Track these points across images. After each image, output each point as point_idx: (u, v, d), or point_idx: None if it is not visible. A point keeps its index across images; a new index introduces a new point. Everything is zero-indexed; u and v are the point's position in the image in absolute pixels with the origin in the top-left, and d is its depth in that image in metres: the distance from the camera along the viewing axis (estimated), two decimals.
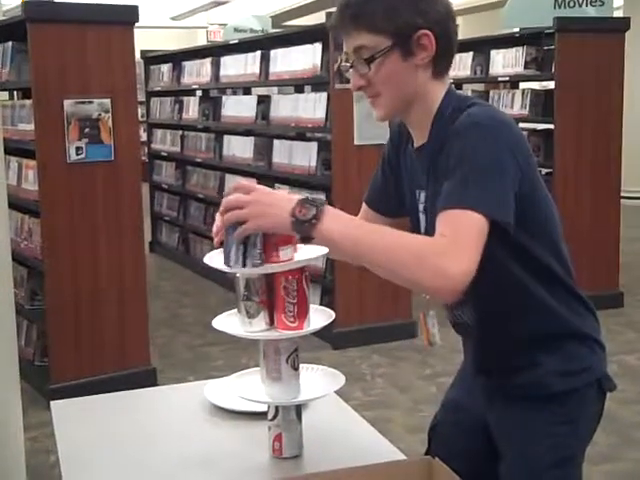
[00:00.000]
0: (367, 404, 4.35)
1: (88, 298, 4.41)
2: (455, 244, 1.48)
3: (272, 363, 1.66)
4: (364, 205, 2.01)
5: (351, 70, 1.69)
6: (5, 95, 5.62)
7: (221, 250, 1.67)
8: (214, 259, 1.68)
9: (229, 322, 1.71)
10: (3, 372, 2.63)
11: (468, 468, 1.59)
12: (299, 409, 1.72)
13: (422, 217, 1.80)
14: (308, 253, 1.66)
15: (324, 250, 1.72)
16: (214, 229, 1.62)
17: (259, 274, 1.63)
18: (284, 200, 1.54)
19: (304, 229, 1.51)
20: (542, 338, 1.75)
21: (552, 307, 1.74)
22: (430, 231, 1.65)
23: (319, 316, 1.72)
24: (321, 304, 5.58)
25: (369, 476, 1.43)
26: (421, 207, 1.80)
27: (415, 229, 1.83)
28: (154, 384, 4.51)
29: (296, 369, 1.68)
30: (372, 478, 1.42)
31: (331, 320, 1.71)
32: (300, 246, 1.65)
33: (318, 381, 1.79)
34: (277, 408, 1.69)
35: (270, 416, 1.71)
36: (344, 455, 1.71)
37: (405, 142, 1.85)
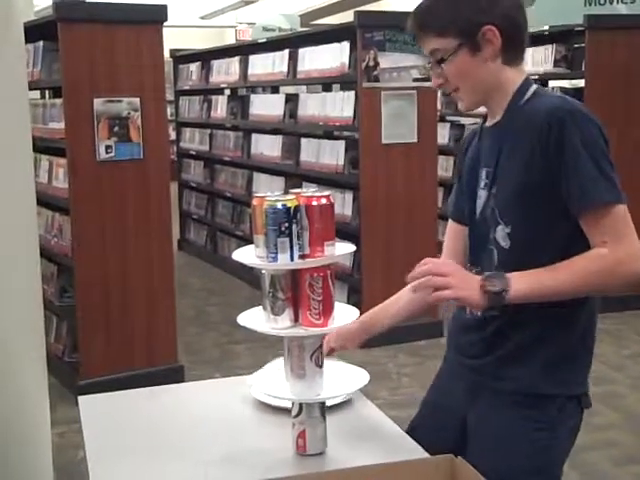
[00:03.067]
0: (393, 403, 4.33)
1: (117, 295, 4.45)
2: (620, 245, 1.63)
3: (296, 360, 1.67)
4: (450, 222, 2.03)
5: (431, 71, 1.81)
6: (36, 94, 5.68)
7: (249, 246, 1.69)
8: (243, 255, 1.69)
9: (254, 319, 1.72)
10: (31, 368, 2.66)
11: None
12: (323, 406, 1.73)
13: (482, 193, 1.82)
14: (334, 251, 1.66)
15: (350, 248, 1.73)
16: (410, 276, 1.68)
17: (285, 271, 1.64)
18: (471, 277, 1.69)
19: (498, 299, 1.64)
20: (552, 330, 1.76)
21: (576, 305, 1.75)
22: (488, 206, 1.78)
23: (344, 314, 1.73)
24: (348, 303, 5.56)
25: (392, 474, 1.43)
26: (482, 184, 1.83)
27: (471, 212, 1.86)
28: (181, 381, 4.54)
29: (320, 366, 1.69)
30: (395, 476, 1.42)
31: (356, 318, 1.71)
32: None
33: (342, 379, 1.80)
34: (301, 405, 1.70)
35: (294, 413, 1.72)
36: (368, 453, 1.72)
37: (473, 138, 1.93)
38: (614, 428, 3.91)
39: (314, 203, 1.62)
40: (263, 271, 1.66)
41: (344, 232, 5.55)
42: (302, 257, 1.62)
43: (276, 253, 1.60)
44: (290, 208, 1.60)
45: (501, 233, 1.76)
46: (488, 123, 1.86)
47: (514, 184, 1.72)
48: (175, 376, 4.51)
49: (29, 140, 2.49)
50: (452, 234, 2.02)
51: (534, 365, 1.77)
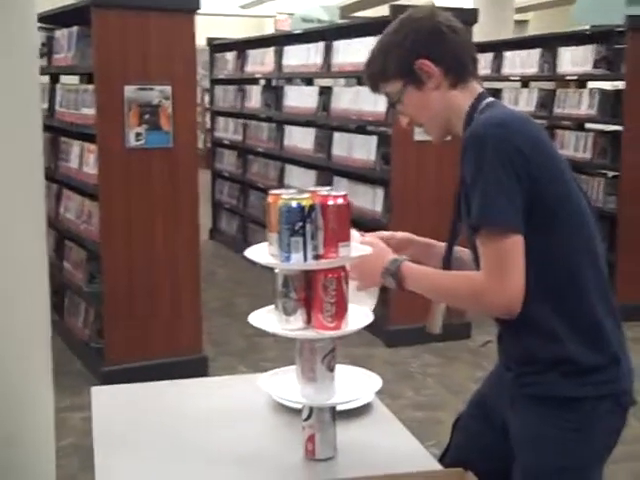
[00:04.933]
0: (417, 404, 4.29)
1: (143, 283, 4.45)
2: (490, 277, 1.66)
3: (307, 363, 1.64)
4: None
5: (399, 115, 1.92)
6: (72, 79, 5.69)
7: (264, 244, 1.66)
8: (257, 253, 1.67)
9: (266, 318, 1.69)
10: (36, 364, 2.65)
11: (484, 463, 1.65)
12: (333, 411, 1.69)
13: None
14: (349, 252, 1.62)
15: (366, 250, 1.69)
16: None
17: (298, 271, 1.61)
18: (370, 271, 1.80)
19: (394, 288, 1.80)
20: (560, 342, 1.73)
21: (567, 318, 1.73)
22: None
23: (358, 317, 1.68)
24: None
25: None
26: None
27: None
28: (205, 372, 4.54)
29: (332, 370, 1.65)
30: None
31: (369, 322, 1.67)
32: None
33: (355, 383, 1.76)
34: (311, 408, 1.66)
35: (304, 416, 1.68)
36: (378, 460, 1.68)
37: None
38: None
39: (330, 203, 1.58)
40: (276, 270, 1.63)
41: (374, 228, 5.49)
42: (316, 258, 1.58)
43: (289, 253, 1.57)
44: (305, 207, 1.56)
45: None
46: None
47: (464, 212, 1.77)
48: (199, 367, 4.50)
49: (39, 121, 2.50)
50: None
51: (554, 375, 1.75)
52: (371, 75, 1.90)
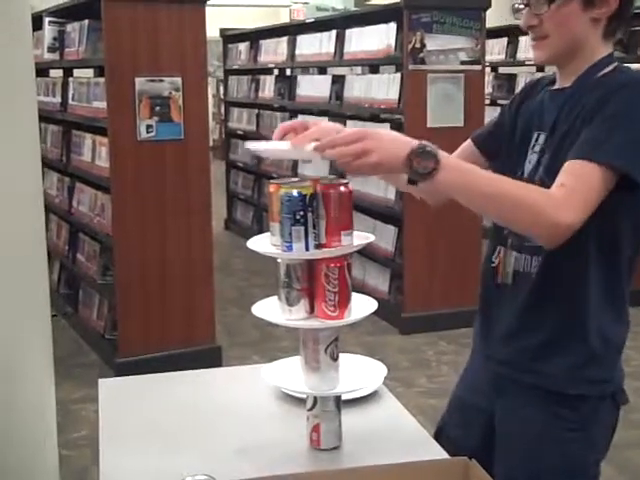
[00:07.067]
0: (431, 391, 4.27)
1: (156, 274, 4.46)
2: (571, 196, 1.54)
3: (311, 352, 1.63)
4: (467, 141, 1.94)
5: (526, 9, 1.70)
6: (84, 73, 5.69)
7: (266, 234, 1.65)
8: (259, 243, 1.65)
9: (269, 309, 1.67)
10: (37, 361, 2.65)
11: None
12: (338, 400, 1.67)
13: (533, 158, 1.74)
14: (352, 241, 1.61)
15: (370, 238, 1.67)
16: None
17: (300, 260, 1.59)
18: (403, 143, 1.55)
19: (419, 179, 1.56)
20: (580, 329, 1.68)
21: (604, 302, 1.67)
22: (536, 173, 1.70)
23: (361, 306, 1.67)
24: (390, 288, 5.51)
25: (402, 474, 1.38)
26: (537, 148, 1.75)
27: (514, 173, 1.75)
28: (219, 362, 4.55)
29: (335, 359, 1.63)
30: (405, 476, 1.37)
31: (373, 311, 1.65)
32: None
33: (360, 372, 1.74)
34: (315, 398, 1.66)
35: (308, 406, 1.67)
36: (384, 450, 1.66)
37: (538, 90, 1.84)
38: None
39: (331, 191, 1.56)
40: (278, 260, 1.62)
41: (387, 216, 5.48)
42: (318, 247, 1.56)
43: (291, 242, 1.55)
44: (306, 196, 1.54)
45: None
46: (553, 86, 1.78)
47: (565, 156, 1.63)
48: (213, 357, 4.51)
49: (35, 112, 2.51)
50: (462, 153, 1.89)
51: (561, 364, 1.69)
52: None
